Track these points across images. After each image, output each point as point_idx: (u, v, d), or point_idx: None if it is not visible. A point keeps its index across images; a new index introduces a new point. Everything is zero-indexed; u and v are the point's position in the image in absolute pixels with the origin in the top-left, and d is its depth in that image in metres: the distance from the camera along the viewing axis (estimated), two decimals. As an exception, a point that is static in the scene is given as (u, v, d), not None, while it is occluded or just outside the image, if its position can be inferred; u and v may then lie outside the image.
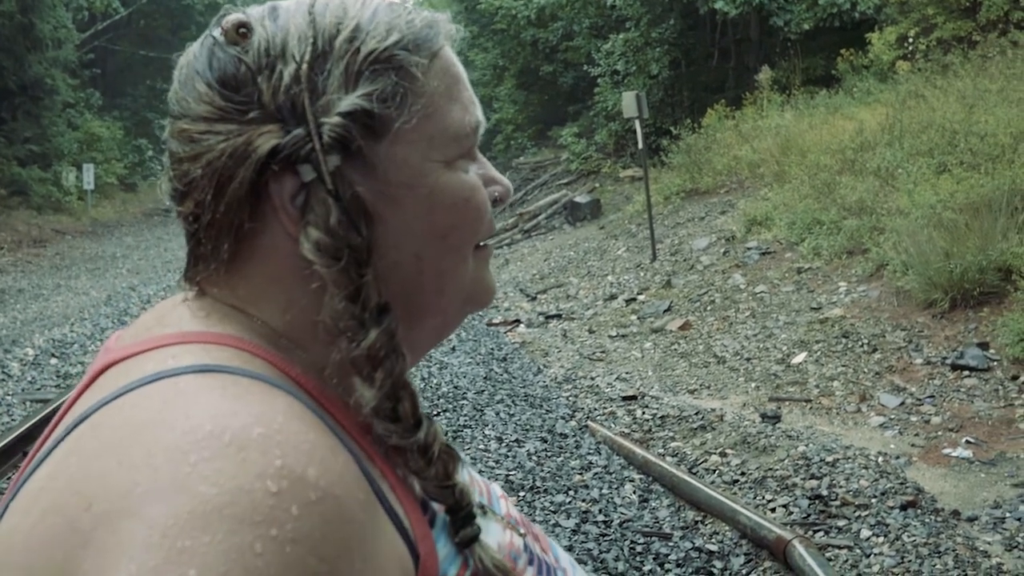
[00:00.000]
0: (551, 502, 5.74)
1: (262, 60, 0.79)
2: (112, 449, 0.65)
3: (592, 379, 8.84)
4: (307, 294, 0.79)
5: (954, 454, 6.25)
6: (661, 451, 6.74)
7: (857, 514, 5.38)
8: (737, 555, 5.05)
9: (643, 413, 7.57)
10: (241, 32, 0.80)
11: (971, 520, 5.31)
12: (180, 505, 0.60)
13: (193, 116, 0.80)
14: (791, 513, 5.49)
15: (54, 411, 5.87)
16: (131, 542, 0.59)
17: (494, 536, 0.86)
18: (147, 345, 0.77)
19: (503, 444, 6.80)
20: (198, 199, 0.79)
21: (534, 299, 13.69)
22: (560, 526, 5.38)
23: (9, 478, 6.27)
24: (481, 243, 0.89)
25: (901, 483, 5.73)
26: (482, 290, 0.91)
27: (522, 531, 0.94)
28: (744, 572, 4.90)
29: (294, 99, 0.77)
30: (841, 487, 5.71)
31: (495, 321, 12.16)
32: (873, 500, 5.51)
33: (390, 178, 0.80)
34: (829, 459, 6.12)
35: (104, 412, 0.69)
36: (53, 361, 9.85)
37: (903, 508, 5.39)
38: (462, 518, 0.80)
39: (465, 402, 7.90)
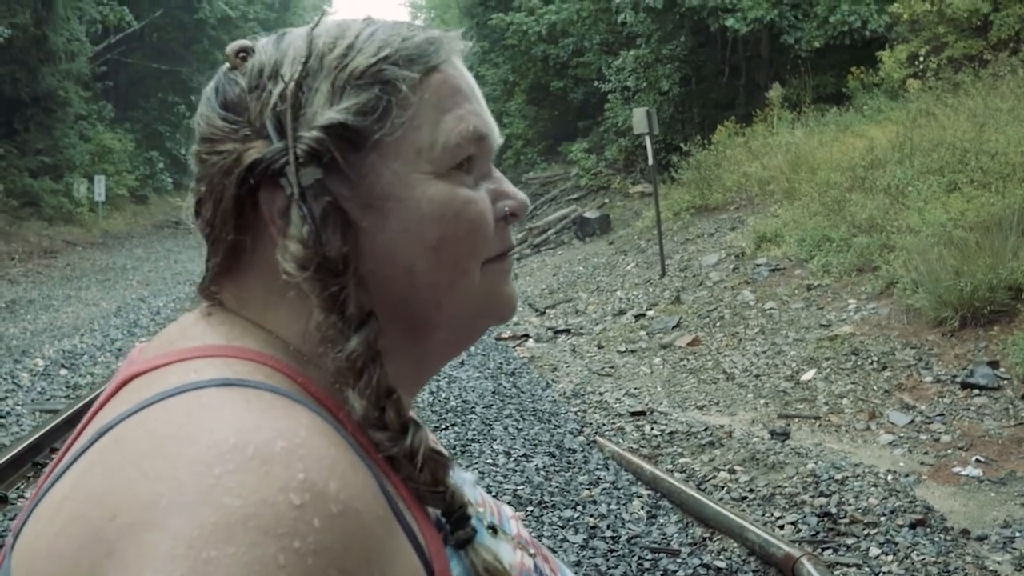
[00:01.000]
0: (559, 517, 5.73)
1: (254, 81, 0.82)
2: (136, 461, 0.66)
3: (601, 394, 8.83)
4: (306, 306, 0.80)
5: (964, 473, 6.23)
6: (669, 467, 6.73)
7: (866, 532, 5.37)
8: (745, 572, 5.03)
9: (651, 429, 7.57)
10: (241, 56, 0.83)
11: (981, 539, 5.29)
12: (205, 517, 0.61)
13: (203, 138, 0.83)
14: (800, 530, 5.47)
15: (66, 422, 5.85)
16: (155, 553, 0.60)
17: (505, 556, 0.86)
18: (170, 358, 0.77)
19: (511, 459, 6.80)
20: (205, 216, 0.83)
21: (543, 314, 13.69)
22: (568, 541, 5.37)
23: (19, 488, 6.28)
24: (495, 256, 0.89)
25: (910, 501, 5.71)
26: (500, 304, 0.90)
27: (532, 551, 0.94)
28: (752, 589, 4.89)
29: (279, 116, 0.79)
30: (850, 505, 5.70)
31: (504, 335, 12.16)
32: (882, 518, 5.50)
33: (374, 189, 0.81)
34: (838, 477, 6.10)
35: (127, 424, 0.70)
36: (63, 372, 9.87)
37: (912, 526, 5.37)
38: (455, 520, 0.80)
39: (473, 416, 7.89)
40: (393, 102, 0.81)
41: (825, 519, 5.57)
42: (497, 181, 0.90)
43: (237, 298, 0.84)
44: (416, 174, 0.82)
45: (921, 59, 16.05)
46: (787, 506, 5.82)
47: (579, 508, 5.89)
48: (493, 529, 0.88)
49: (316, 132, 0.79)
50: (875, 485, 5.96)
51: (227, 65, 0.84)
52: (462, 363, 10.12)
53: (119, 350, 11.02)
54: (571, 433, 7.54)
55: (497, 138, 0.90)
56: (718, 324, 10.62)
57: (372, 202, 0.81)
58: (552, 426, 7.73)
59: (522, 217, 0.92)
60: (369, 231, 0.81)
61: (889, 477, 6.13)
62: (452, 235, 0.83)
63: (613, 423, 7.82)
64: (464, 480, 0.89)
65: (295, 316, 0.82)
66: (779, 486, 6.11)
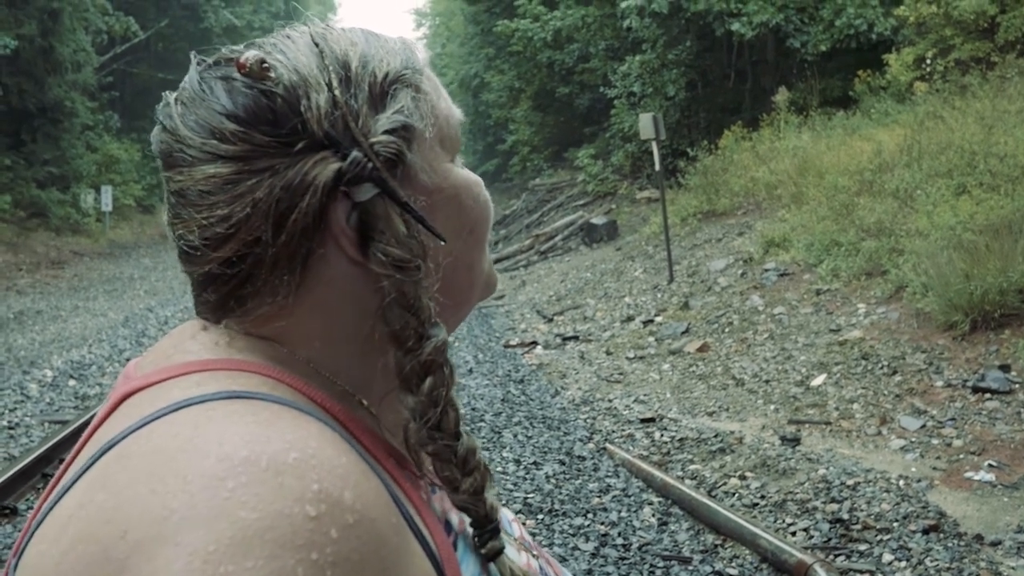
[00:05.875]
0: (570, 525, 5.71)
1: (298, 91, 0.78)
2: (144, 477, 0.65)
3: (610, 401, 8.81)
4: (350, 317, 0.81)
5: (976, 477, 6.19)
6: (680, 474, 6.71)
7: (879, 538, 5.33)
8: (758, 579, 5.01)
9: (661, 435, 7.54)
10: (264, 68, 0.79)
11: (994, 544, 5.25)
12: (220, 531, 0.60)
13: (225, 158, 0.78)
14: (812, 537, 5.44)
15: (75, 433, 5.85)
16: (170, 570, 0.59)
17: (511, 556, 0.87)
18: (170, 373, 0.77)
19: (521, 466, 6.78)
20: (247, 239, 0.78)
21: (551, 321, 13.68)
22: (579, 549, 5.35)
23: (29, 499, 6.27)
24: None
25: (923, 507, 5.68)
26: (492, 279, 0.95)
27: (535, 553, 0.95)
28: (765, 597, 4.86)
29: (335, 124, 0.78)
30: (862, 511, 5.67)
31: (512, 343, 12.15)
32: (895, 524, 5.47)
33: (426, 184, 0.83)
34: (850, 482, 6.07)
35: (132, 440, 0.69)
36: (71, 383, 9.88)
37: (925, 532, 5.34)
38: (489, 531, 0.82)
39: (483, 424, 7.88)
40: (422, 100, 0.84)
41: (837, 525, 5.54)
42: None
43: (240, 314, 0.82)
44: (445, 164, 0.86)
45: (928, 62, 16.03)
46: (799, 512, 5.80)
47: (590, 516, 5.87)
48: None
49: (386, 136, 0.80)
50: (887, 491, 5.93)
51: (233, 76, 0.80)
52: (471, 371, 10.11)
53: (127, 360, 10.97)
54: (581, 440, 7.52)
55: None
56: (727, 329, 10.60)
57: (422, 197, 0.83)
58: (561, 433, 7.71)
59: None
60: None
61: (901, 482, 6.09)
62: (481, 216, 0.89)
63: (623, 430, 7.80)
64: None
65: (325, 330, 0.82)
66: (790, 492, 6.08)
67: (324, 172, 0.77)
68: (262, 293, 0.80)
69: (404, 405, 0.79)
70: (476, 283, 0.91)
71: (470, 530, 0.83)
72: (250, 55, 0.79)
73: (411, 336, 0.79)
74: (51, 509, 0.69)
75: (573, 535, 5.56)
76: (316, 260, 0.79)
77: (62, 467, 0.76)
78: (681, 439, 7.40)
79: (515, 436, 7.55)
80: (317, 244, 0.79)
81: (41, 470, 6.57)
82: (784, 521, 5.72)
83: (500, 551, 0.82)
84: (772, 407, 8.03)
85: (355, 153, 0.77)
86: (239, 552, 0.59)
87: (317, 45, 0.82)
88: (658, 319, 11.95)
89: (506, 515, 0.96)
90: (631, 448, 7.29)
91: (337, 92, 0.79)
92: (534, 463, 6.86)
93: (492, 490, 0.84)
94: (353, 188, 0.78)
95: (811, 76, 18.86)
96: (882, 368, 8.22)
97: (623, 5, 20.41)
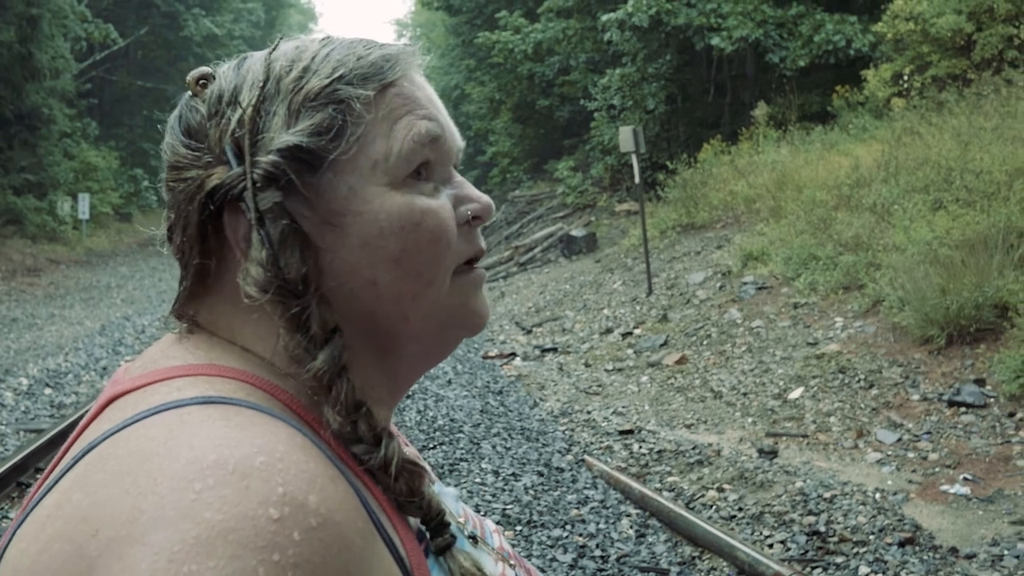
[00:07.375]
0: (548, 536, 5.71)
1: (213, 108, 0.84)
2: (118, 478, 0.67)
3: (588, 413, 8.82)
4: (274, 326, 0.82)
5: (952, 491, 6.23)
6: (658, 486, 6.72)
7: (855, 551, 5.36)
8: (735, 591, 5.02)
9: (640, 447, 7.55)
10: (201, 83, 0.85)
11: (969, 557, 5.28)
12: (185, 531, 0.62)
13: (169, 166, 0.85)
14: (789, 549, 5.47)
15: (51, 441, 5.79)
16: (136, 568, 0.61)
17: (487, 566, 0.87)
18: (153, 377, 0.79)
19: (500, 478, 6.78)
20: (176, 242, 0.85)
21: (530, 332, 13.68)
22: (557, 560, 5.35)
23: (4, 507, 6.22)
24: (471, 264, 0.90)
25: (899, 520, 5.71)
26: (467, 315, 0.90)
27: (512, 562, 0.95)
28: (742, 609, 4.87)
29: (238, 141, 0.81)
30: (839, 523, 5.69)
31: (491, 354, 12.15)
32: (871, 537, 5.49)
33: (332, 207, 0.82)
34: (827, 495, 6.10)
35: (110, 442, 0.71)
36: (47, 391, 9.81)
37: (901, 545, 5.37)
38: (434, 528, 0.82)
39: (461, 435, 7.87)
40: (348, 120, 0.83)
41: (814, 537, 5.56)
42: (458, 185, 0.91)
43: (211, 319, 0.86)
44: (372, 187, 0.83)
45: (905, 78, 16.14)
46: (776, 524, 5.82)
47: (568, 527, 5.87)
48: (474, 539, 0.90)
49: (273, 156, 0.80)
50: (863, 503, 5.96)
51: (188, 93, 0.86)
52: (449, 382, 10.10)
53: (104, 369, 10.97)
54: (559, 452, 7.52)
55: (457, 142, 0.91)
56: (705, 342, 10.63)
57: (331, 219, 0.82)
58: (540, 445, 7.71)
59: (487, 220, 0.92)
60: (330, 248, 0.82)
61: (877, 495, 6.13)
62: (413, 246, 0.84)
63: (601, 442, 7.81)
64: (446, 494, 0.92)
65: (266, 335, 0.83)
66: (768, 504, 6.11)
67: (207, 186, 0.81)
68: (184, 293, 0.87)
69: (325, 420, 0.79)
70: (416, 317, 0.86)
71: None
72: (194, 72, 0.86)
73: (300, 354, 0.80)
74: (32, 509, 0.71)
75: (551, 547, 5.56)
76: (221, 268, 0.84)
77: (47, 469, 0.78)
78: (659, 451, 7.41)
79: (494, 447, 7.54)
80: (210, 254, 0.84)
81: (16, 479, 6.51)
82: (761, 533, 5.74)
83: (447, 547, 0.83)
84: (750, 420, 8.06)
85: (234, 170, 0.81)
86: (203, 552, 0.61)
87: (267, 59, 0.85)
88: (637, 331, 11.98)
89: (488, 526, 0.98)
90: (609, 460, 7.30)
91: (250, 109, 0.82)
92: (512, 475, 6.86)
93: (430, 489, 0.84)
94: (242, 204, 0.81)
95: (790, 91, 18.96)
96: (859, 382, 8.27)
97: (604, 18, 20.46)
